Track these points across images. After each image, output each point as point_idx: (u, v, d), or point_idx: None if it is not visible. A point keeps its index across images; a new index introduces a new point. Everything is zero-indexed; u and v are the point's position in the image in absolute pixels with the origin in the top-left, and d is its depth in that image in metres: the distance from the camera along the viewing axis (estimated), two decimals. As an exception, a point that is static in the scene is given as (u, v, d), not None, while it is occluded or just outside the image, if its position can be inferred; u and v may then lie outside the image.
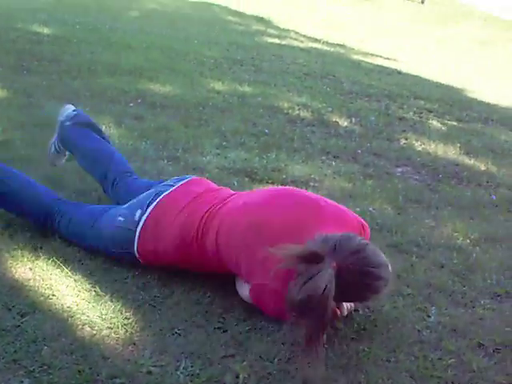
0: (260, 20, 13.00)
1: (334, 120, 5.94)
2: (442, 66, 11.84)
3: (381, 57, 11.15)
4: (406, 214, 3.94)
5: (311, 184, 4.24)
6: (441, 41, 14.20)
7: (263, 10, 13.72)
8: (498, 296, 3.10)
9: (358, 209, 3.73)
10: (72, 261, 2.84)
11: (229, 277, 2.69)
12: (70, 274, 2.73)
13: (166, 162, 4.27)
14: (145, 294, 2.66)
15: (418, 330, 2.65)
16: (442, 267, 3.29)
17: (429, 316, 2.78)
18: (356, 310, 2.69)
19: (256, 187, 3.98)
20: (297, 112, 6.03)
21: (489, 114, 7.89)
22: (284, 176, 4.28)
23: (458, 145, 5.64)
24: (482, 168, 5.17)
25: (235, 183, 4.02)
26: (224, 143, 4.86)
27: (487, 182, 4.83)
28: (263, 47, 9.97)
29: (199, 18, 12.64)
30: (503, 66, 13.03)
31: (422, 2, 16.99)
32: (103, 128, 4.10)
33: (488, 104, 9.07)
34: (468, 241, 3.67)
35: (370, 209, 3.90)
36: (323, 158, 4.85)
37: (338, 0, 16.76)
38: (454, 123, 6.89)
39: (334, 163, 4.75)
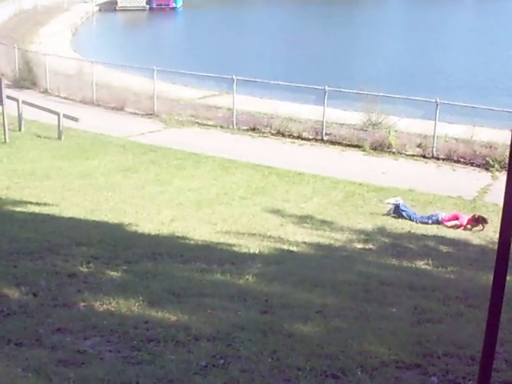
0: None
1: (3, 294, 5.41)
2: (88, 200, 11.80)
3: (31, 203, 10.75)
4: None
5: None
6: (84, 175, 14.12)
7: None
8: None
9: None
10: None
11: None
12: None
13: None
14: None
15: None
16: None
17: None
18: None
19: None
20: (-40, 295, 5.39)
21: (154, 248, 7.88)
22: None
23: (140, 296, 5.42)
24: (172, 319, 5.00)
25: None
26: None
27: (185, 338, 4.59)
28: None
29: None
30: (149, 190, 13.34)
31: (59, 138, 16.81)
32: None
33: (149, 235, 9.13)
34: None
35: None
36: (6, 349, 4.30)
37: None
38: (125, 267, 6.73)
39: (18, 354, 4.22)
